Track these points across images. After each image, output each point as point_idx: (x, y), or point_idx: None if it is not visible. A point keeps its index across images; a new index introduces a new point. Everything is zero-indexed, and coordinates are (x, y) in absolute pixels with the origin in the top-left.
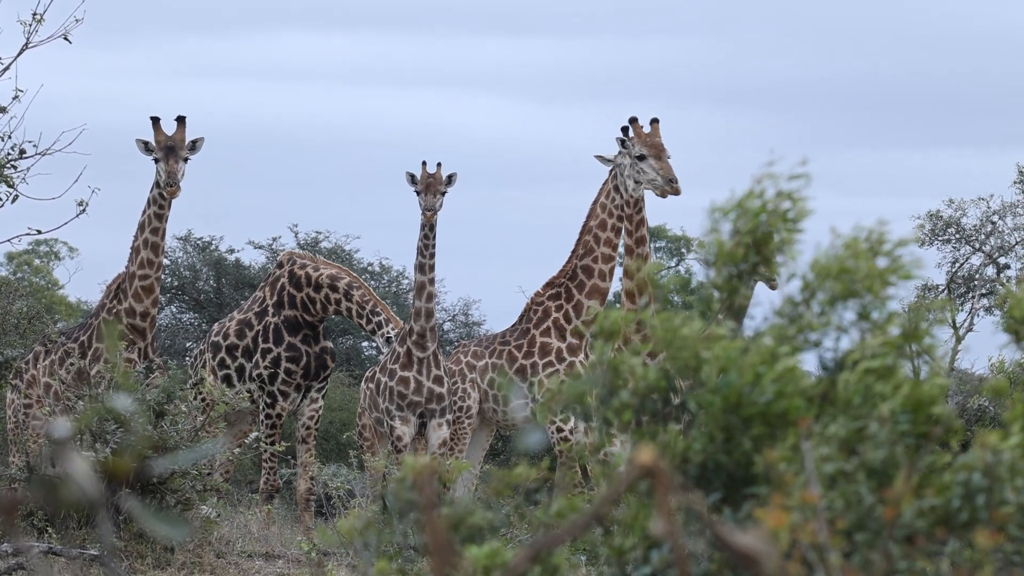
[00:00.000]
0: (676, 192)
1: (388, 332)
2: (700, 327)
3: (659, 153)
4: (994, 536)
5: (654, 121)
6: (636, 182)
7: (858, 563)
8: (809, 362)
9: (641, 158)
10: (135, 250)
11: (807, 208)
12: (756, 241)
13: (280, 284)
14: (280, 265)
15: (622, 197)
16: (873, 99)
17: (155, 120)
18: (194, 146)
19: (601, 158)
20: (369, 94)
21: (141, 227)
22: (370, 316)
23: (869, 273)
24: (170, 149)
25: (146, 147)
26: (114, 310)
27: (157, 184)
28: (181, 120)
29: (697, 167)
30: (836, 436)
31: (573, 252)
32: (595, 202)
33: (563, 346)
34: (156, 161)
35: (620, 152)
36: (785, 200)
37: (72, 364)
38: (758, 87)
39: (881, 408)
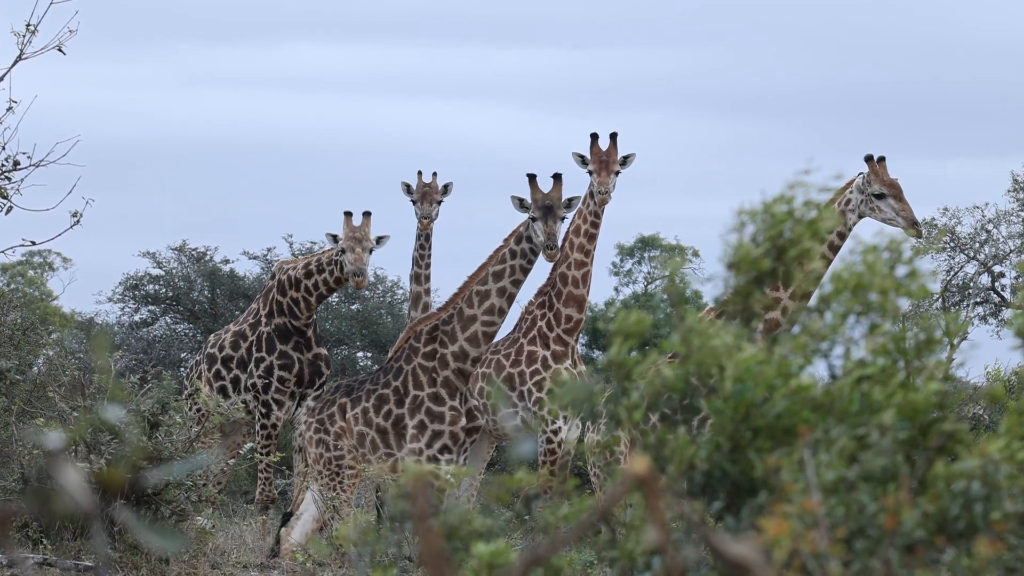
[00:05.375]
0: (918, 235)
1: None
2: (731, 341)
3: (899, 193)
4: (994, 544)
5: (881, 159)
6: (860, 216)
7: (857, 571)
8: (820, 369)
9: (880, 196)
10: (483, 294)
11: (832, 222)
12: (777, 247)
13: (271, 294)
14: (273, 276)
15: (595, 203)
16: (872, 108)
17: (531, 177)
18: (569, 204)
19: (579, 156)
20: (368, 103)
21: (497, 275)
22: (321, 267)
23: (884, 288)
24: (548, 209)
25: (521, 204)
26: (437, 354)
27: (529, 239)
28: (558, 177)
29: (703, 175)
30: (838, 444)
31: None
32: (577, 209)
33: (547, 354)
34: (534, 220)
35: (855, 185)
36: (812, 209)
37: (388, 412)
38: (760, 96)
39: (882, 416)
